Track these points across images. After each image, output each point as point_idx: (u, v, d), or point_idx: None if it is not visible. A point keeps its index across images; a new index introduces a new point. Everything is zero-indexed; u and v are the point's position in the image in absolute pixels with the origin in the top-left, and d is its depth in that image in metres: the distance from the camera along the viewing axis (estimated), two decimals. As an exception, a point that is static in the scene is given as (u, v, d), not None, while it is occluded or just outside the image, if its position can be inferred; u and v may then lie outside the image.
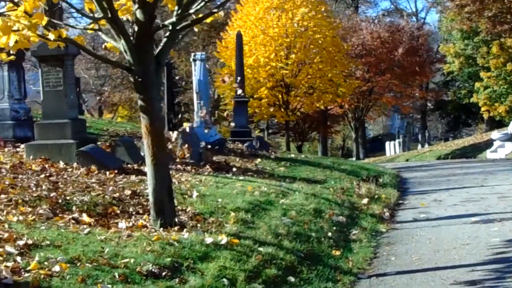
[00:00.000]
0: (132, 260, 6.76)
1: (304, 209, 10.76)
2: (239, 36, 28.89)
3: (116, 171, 11.21)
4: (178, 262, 7.09)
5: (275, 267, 7.76)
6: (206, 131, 17.03)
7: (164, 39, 8.61)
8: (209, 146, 15.92)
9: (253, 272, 7.42)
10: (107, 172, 11.15)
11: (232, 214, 9.34)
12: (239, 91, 24.51)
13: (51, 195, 8.97)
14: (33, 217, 7.94)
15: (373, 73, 46.04)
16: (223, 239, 7.98)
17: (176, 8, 8.46)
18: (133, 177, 10.94)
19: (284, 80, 36.25)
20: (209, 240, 7.85)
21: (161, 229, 8.30)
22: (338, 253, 9.10)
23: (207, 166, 13.49)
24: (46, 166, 11.43)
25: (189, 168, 12.92)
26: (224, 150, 16.98)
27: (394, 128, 76.20)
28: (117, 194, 9.58)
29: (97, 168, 11.27)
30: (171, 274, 6.76)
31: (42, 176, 10.37)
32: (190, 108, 38.87)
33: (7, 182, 9.52)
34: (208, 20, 9.32)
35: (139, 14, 8.24)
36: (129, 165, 12.15)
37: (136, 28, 8.32)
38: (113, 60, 9.27)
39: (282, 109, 36.75)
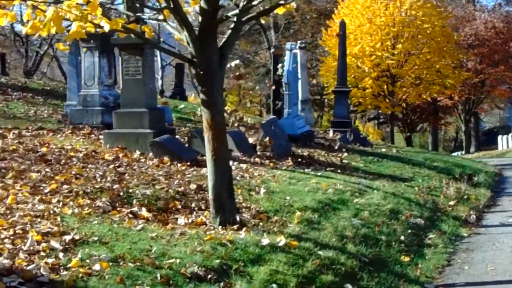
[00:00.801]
0: (178, 261, 6.50)
1: (380, 210, 10.30)
2: (342, 25, 28.42)
3: (188, 163, 11.01)
4: (227, 265, 6.80)
5: (332, 273, 7.37)
6: (294, 122, 16.63)
7: (229, 31, 8.34)
8: (296, 138, 15.60)
9: (307, 278, 7.05)
10: (179, 164, 10.98)
11: (298, 213, 8.98)
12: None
13: (114, 187, 8.84)
14: (90, 210, 7.80)
15: (485, 64, 44.44)
16: (282, 240, 7.65)
17: (242, -1, 8.19)
18: (204, 170, 10.65)
19: (390, 70, 35.43)
20: (265, 241, 7.53)
21: (220, 227, 8.05)
22: (407, 259, 8.64)
23: (288, 160, 13.14)
24: (120, 155, 11.36)
25: (267, 162, 12.60)
26: (311, 143, 16.60)
27: (511, 120, 73.49)
28: (182, 188, 9.37)
29: (170, 159, 11.11)
30: (217, 277, 6.47)
31: (111, 166, 10.28)
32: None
33: (73, 172, 9.45)
34: (281, 12, 8.97)
35: (203, 4, 7.98)
36: (204, 157, 11.93)
37: (200, 19, 8.09)
38: (175, 52, 9.01)
39: (387, 100, 35.97)
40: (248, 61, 52.63)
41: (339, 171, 13.43)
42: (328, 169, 13.36)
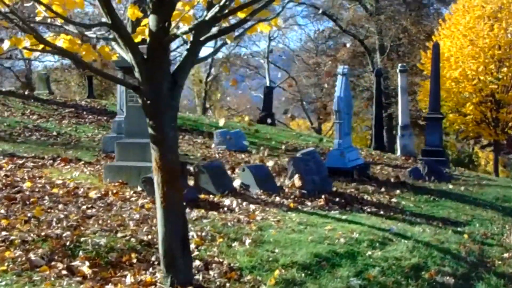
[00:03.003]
0: None
1: (397, 266, 8.58)
2: (435, 46, 26.64)
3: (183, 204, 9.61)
4: None
5: None
6: (345, 154, 14.97)
7: (184, 53, 6.93)
8: (346, 172, 13.96)
9: None
10: (173, 204, 9.61)
11: (277, 271, 7.42)
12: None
13: (65, 234, 7.54)
14: (10, 265, 6.54)
15: None
16: (235, 310, 6.17)
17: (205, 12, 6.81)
18: (194, 213, 9.29)
19: (494, 96, 32.97)
20: (210, 312, 6.07)
21: (171, 288, 6.65)
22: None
23: (321, 199, 11.54)
24: (111, 192, 10.09)
25: (288, 201, 11.04)
26: (365, 177, 14.86)
27: None
28: (150, 236, 7.98)
29: (163, 198, 9.74)
30: None
31: (84, 207, 9.01)
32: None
33: (29, 215, 8.22)
34: (266, 30, 7.57)
35: (151, 21, 6.62)
36: (211, 196, 10.55)
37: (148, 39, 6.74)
38: (113, 76, 7.60)
39: (491, 127, 33.48)
40: (354, 84, 51.24)
41: (381, 212, 11.75)
42: (368, 210, 11.71)
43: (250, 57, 63.16)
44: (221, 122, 22.60)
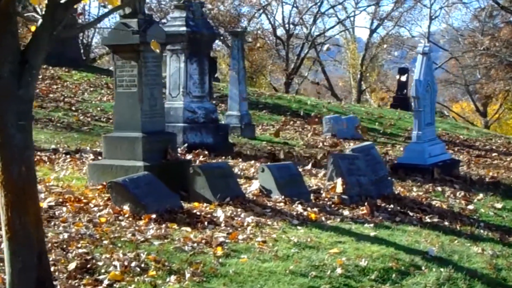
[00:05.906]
0: None
1: (406, 311, 6.21)
2: None
3: (154, 216, 7.61)
4: None
5: None
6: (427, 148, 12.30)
7: (39, 24, 4.93)
8: (426, 170, 11.43)
9: None
10: (142, 217, 7.63)
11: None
12: None
13: None
14: None
15: None
16: None
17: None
18: (152, 231, 7.18)
19: None
20: None
21: None
22: None
23: (364, 208, 9.15)
24: (73, 199, 8.17)
25: (310, 211, 8.69)
26: (447, 176, 12.06)
27: None
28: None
29: (132, 209, 7.78)
30: None
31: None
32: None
33: None
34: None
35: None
36: (205, 204, 8.47)
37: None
38: None
39: None
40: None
41: (446, 223, 9.27)
42: (428, 220, 9.24)
43: (410, 38, 60.48)
44: None
